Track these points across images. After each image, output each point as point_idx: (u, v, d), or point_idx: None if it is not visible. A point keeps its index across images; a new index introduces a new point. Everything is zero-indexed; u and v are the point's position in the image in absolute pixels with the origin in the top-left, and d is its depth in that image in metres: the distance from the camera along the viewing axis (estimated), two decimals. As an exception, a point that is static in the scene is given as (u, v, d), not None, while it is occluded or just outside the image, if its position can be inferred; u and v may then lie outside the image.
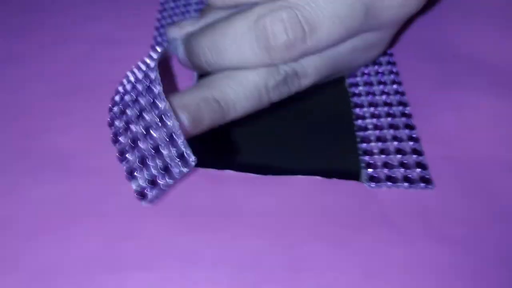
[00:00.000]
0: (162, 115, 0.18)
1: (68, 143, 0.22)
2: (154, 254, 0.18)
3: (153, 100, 0.18)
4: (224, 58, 0.20)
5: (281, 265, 0.18)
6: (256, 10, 0.19)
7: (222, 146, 0.22)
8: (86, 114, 0.24)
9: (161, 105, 0.18)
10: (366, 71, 0.26)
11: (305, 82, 0.21)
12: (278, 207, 0.20)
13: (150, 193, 0.18)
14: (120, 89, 0.21)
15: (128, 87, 0.20)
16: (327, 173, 0.21)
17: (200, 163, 0.18)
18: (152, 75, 0.19)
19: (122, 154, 0.19)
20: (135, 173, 0.18)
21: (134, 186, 0.18)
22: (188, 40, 0.22)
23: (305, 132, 0.24)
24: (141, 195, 0.18)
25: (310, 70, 0.21)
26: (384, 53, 0.27)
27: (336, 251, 0.18)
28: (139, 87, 0.20)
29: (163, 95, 0.18)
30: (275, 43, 0.19)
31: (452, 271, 0.18)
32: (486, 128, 0.23)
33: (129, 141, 0.19)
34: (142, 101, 0.19)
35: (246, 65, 0.20)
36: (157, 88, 0.18)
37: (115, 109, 0.20)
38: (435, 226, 0.19)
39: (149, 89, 0.19)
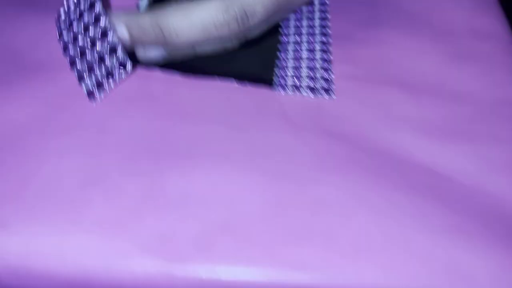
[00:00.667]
0: (104, 31, 0.22)
1: (22, 40, 0.25)
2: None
3: (96, 17, 0.22)
4: None
5: (186, 137, 0.21)
6: None
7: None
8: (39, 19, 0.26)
9: (103, 22, 0.22)
10: (297, 12, 0.29)
11: (254, 20, 0.24)
12: (195, 98, 0.23)
13: (97, 93, 0.22)
14: (65, 6, 0.24)
15: (72, 4, 0.23)
16: (246, 79, 0.24)
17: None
18: None
19: (72, 63, 0.23)
20: (85, 77, 0.22)
21: (84, 88, 0.22)
22: None
23: (236, 48, 0.27)
24: (91, 94, 0.22)
25: (258, 8, 0.24)
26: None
27: (234, 133, 0.21)
28: (82, 5, 0.23)
29: (104, 13, 0.22)
30: None
31: (334, 159, 0.20)
32: (395, 59, 0.25)
33: (77, 51, 0.22)
34: (86, 17, 0.22)
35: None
36: (98, 6, 0.22)
37: (61, 23, 0.23)
38: (327, 124, 0.22)
39: (90, 7, 0.22)
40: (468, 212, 0.19)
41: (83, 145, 0.20)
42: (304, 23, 0.28)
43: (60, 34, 0.23)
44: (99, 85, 0.22)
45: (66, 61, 0.23)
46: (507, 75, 0.24)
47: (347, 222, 0.18)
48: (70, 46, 0.23)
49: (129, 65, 0.21)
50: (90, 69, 0.22)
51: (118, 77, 0.22)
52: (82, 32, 0.22)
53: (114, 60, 0.22)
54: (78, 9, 0.23)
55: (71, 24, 0.23)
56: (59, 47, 0.24)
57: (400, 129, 0.22)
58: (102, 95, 0.22)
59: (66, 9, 0.24)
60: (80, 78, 0.22)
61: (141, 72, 0.24)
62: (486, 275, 0.17)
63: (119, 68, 0.22)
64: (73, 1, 0.23)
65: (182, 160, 0.20)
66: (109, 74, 0.22)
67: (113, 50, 0.21)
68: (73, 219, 0.18)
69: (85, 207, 0.18)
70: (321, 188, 0.19)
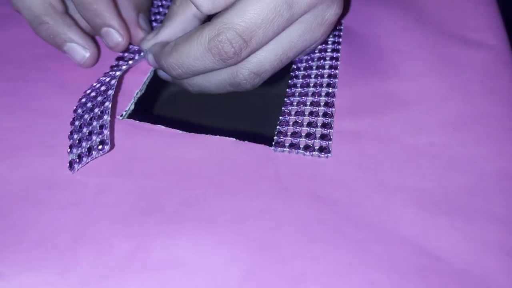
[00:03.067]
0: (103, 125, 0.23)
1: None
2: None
3: (101, 111, 0.24)
4: (193, 71, 0.25)
5: (177, 200, 0.21)
6: (205, 33, 0.24)
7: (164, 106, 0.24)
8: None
9: (105, 117, 0.23)
10: (310, 56, 0.28)
11: (265, 75, 0.25)
12: (192, 157, 0.23)
13: (76, 165, 0.23)
14: (88, 91, 0.26)
15: (91, 94, 0.25)
16: (247, 137, 0.24)
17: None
18: (110, 92, 0.24)
19: (71, 134, 0.24)
20: (72, 149, 0.23)
21: (69, 157, 0.23)
22: (158, 57, 0.27)
23: (243, 101, 0.26)
24: (70, 165, 0.23)
25: (267, 64, 0.25)
26: (332, 41, 0.28)
27: (225, 196, 0.21)
28: (99, 98, 0.25)
29: (109, 111, 0.24)
30: (227, 55, 0.24)
31: (322, 229, 0.20)
32: (400, 117, 0.25)
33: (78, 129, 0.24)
34: (96, 109, 0.24)
35: (211, 71, 0.25)
36: (107, 104, 0.24)
37: (79, 110, 0.25)
38: (320, 188, 0.22)
39: (101, 103, 0.24)
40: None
41: (81, 202, 0.21)
42: (313, 72, 0.27)
43: (73, 122, 0.25)
44: (79, 157, 0.23)
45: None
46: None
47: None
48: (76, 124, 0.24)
49: (107, 147, 0.23)
50: (79, 143, 0.23)
51: (95, 156, 0.23)
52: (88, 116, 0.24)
53: (96, 138, 0.23)
54: (93, 100, 0.25)
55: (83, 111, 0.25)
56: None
57: (393, 199, 0.21)
58: (79, 167, 0.23)
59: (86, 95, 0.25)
60: (70, 148, 0.23)
61: (144, 126, 0.25)
62: None
63: (98, 146, 0.23)
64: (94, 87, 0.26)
65: (171, 224, 0.20)
66: (89, 150, 0.23)
67: (101, 128, 0.23)
68: (60, 273, 0.19)
69: (73, 263, 0.19)
70: (304, 262, 0.19)
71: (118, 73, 0.26)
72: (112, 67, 0.27)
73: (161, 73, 0.29)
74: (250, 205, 0.21)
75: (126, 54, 0.28)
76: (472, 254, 0.19)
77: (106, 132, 0.23)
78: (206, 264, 0.19)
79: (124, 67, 0.27)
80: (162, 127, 0.24)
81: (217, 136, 0.24)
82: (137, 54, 0.28)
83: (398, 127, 0.24)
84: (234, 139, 0.24)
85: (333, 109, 0.25)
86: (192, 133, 0.24)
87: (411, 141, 0.23)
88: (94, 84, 0.26)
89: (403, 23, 0.30)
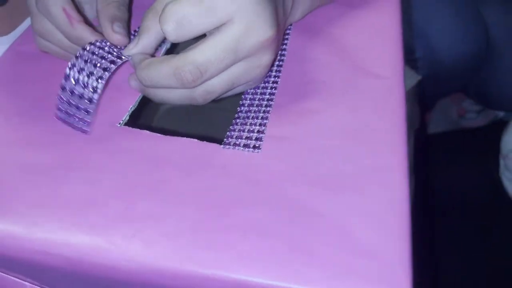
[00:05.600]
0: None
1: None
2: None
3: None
4: (158, 85, 0.36)
5: (156, 179, 0.32)
6: (174, 63, 0.34)
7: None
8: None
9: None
10: (257, 87, 0.39)
11: (215, 95, 0.36)
12: (166, 152, 0.34)
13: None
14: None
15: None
16: (205, 139, 0.35)
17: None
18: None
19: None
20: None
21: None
22: (135, 69, 0.37)
23: (206, 118, 0.37)
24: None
25: (217, 88, 0.35)
26: (274, 76, 0.39)
27: (186, 178, 0.32)
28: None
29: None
30: (187, 81, 0.34)
31: (246, 197, 0.31)
32: (311, 123, 0.35)
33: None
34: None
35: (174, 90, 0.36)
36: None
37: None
38: (251, 173, 0.32)
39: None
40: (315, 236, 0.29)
41: (92, 178, 0.32)
42: (257, 97, 0.38)
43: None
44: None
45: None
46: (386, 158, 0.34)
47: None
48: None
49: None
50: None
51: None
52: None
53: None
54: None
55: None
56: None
57: (299, 178, 0.32)
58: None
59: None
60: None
61: (135, 130, 0.36)
62: None
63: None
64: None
65: (149, 192, 0.31)
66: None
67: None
68: (75, 221, 0.30)
69: (84, 215, 0.30)
70: (235, 217, 0.30)
71: (106, 74, 0.36)
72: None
73: (132, 83, 0.38)
74: (203, 183, 0.32)
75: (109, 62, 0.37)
76: (344, 214, 0.30)
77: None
78: (172, 217, 0.30)
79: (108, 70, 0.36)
80: (148, 131, 0.35)
81: (185, 137, 0.35)
82: (119, 59, 0.37)
83: (308, 133, 0.35)
84: (197, 139, 0.35)
85: (267, 121, 0.36)
86: (168, 136, 0.35)
87: (315, 142, 0.35)
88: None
89: (327, 57, 0.41)
